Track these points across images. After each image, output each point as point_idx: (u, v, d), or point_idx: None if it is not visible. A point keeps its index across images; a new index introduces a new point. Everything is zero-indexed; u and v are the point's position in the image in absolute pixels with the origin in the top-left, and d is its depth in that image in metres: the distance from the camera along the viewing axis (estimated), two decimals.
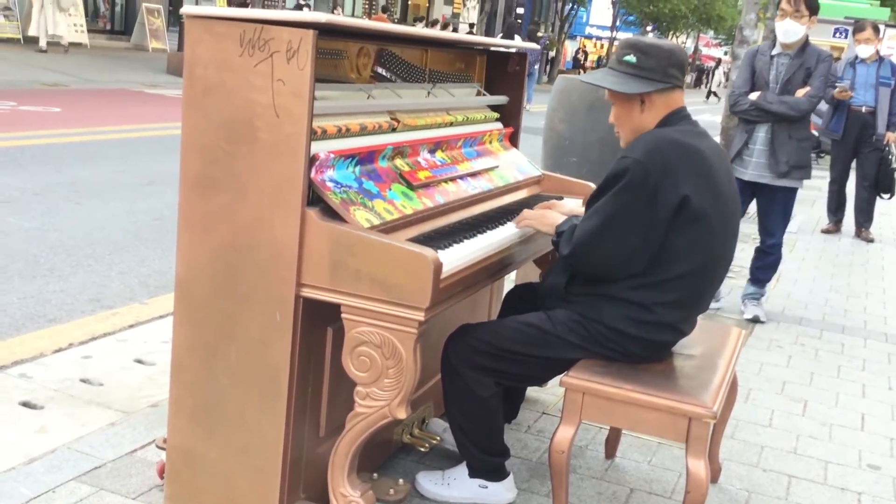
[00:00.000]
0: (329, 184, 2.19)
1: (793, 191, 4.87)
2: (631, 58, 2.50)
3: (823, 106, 8.89)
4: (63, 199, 6.34)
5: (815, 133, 12.59)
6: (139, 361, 3.57)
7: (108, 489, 2.56)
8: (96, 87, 13.92)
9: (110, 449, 2.79)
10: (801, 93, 4.70)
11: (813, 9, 4.66)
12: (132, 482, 2.61)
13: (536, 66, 23.06)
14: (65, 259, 4.95)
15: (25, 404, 3.09)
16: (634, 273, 2.42)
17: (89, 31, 19.80)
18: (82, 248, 5.20)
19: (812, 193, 10.46)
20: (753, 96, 4.77)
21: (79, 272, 4.76)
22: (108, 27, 23.33)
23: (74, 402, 3.14)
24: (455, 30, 25.95)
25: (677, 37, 44.82)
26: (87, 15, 20.36)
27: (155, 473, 2.62)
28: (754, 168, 4.78)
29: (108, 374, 3.40)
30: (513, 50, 3.42)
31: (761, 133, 4.78)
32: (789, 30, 4.70)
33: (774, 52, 4.83)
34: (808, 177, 4.88)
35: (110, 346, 3.73)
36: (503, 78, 3.38)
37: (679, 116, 2.53)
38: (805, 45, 4.77)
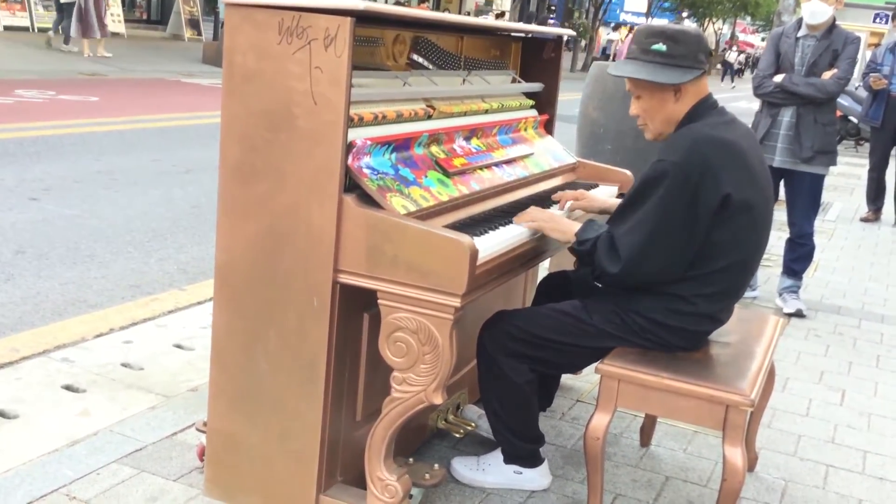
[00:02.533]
0: (366, 170, 2.21)
1: (819, 178, 4.77)
2: (660, 46, 2.42)
3: (863, 93, 8.76)
4: (102, 186, 6.43)
5: (855, 120, 12.47)
6: (179, 346, 3.63)
7: (149, 471, 2.61)
8: (134, 77, 14.09)
9: (151, 432, 2.84)
10: (827, 75, 4.63)
11: None
12: (173, 464, 2.65)
13: None
14: (105, 246, 5.03)
15: (68, 388, 3.16)
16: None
17: (126, 21, 20.06)
18: (122, 235, 5.28)
19: (851, 181, 10.32)
20: (778, 78, 4.70)
21: (119, 259, 4.83)
22: (145, 17, 23.59)
23: (116, 386, 3.20)
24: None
25: (713, 23, 44.25)
26: (123, 5, 20.62)
27: (195, 456, 2.67)
28: (780, 154, 4.70)
29: (149, 359, 3.46)
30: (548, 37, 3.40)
31: (786, 117, 4.71)
32: (816, 10, 4.63)
33: (800, 33, 4.76)
34: (834, 163, 4.78)
35: (150, 331, 3.79)
36: (538, 65, 3.37)
37: (707, 105, 2.46)
38: (832, 26, 4.70)
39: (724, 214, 2.33)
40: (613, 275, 2.37)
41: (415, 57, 2.80)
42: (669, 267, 2.37)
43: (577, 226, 2.50)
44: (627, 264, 2.34)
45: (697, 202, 2.30)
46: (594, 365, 2.46)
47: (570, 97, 6.79)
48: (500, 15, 24.60)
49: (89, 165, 7.04)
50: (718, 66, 38.75)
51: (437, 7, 30.96)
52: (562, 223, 2.52)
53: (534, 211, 2.56)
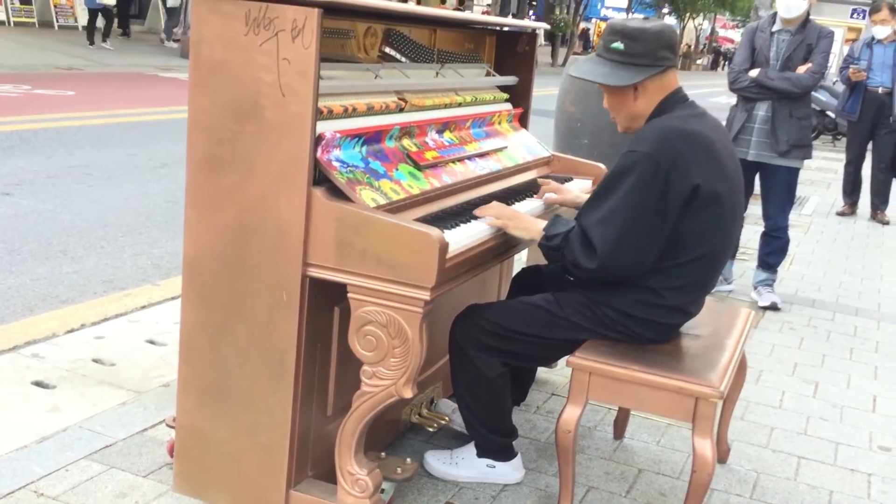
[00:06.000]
0: (335, 163, 2.19)
1: (795, 171, 4.81)
2: (618, 44, 2.43)
3: (840, 88, 8.82)
4: (76, 181, 6.37)
5: (832, 115, 12.56)
6: (151, 342, 3.60)
7: (118, 467, 2.58)
8: (111, 71, 13.97)
9: (121, 428, 2.81)
10: (802, 69, 4.66)
11: None
12: (143, 460, 2.63)
13: None
14: (78, 241, 4.98)
15: (38, 384, 3.12)
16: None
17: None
18: (95, 230, 5.23)
19: (828, 175, 10.40)
20: (754, 73, 4.73)
21: (91, 254, 4.79)
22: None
23: (86, 382, 3.16)
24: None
25: (693, 18, 44.43)
26: None
27: (165, 452, 2.65)
28: (755, 147, 4.74)
29: (120, 355, 3.43)
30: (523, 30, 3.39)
31: (761, 111, 4.74)
32: (791, 4, 4.67)
33: (775, 28, 4.80)
34: (809, 156, 4.83)
35: (122, 326, 3.76)
36: (513, 58, 3.36)
37: (675, 99, 2.47)
38: (806, 21, 4.74)
39: (694, 205, 2.34)
40: (590, 270, 2.34)
41: (387, 49, 2.78)
42: (642, 258, 2.37)
43: (541, 223, 2.47)
44: (603, 257, 2.31)
45: (668, 193, 2.31)
46: (568, 358, 2.46)
47: (552, 92, 6.77)
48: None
49: (63, 160, 6.97)
50: (699, 62, 38.87)
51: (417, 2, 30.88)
52: (525, 221, 2.47)
53: (497, 207, 2.50)
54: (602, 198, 2.37)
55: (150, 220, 5.58)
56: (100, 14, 16.81)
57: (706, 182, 2.33)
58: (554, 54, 32.24)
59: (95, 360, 3.36)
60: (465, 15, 3.12)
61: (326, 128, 2.19)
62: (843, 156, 8.57)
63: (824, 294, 5.35)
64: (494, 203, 2.53)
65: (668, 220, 2.33)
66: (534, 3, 37.87)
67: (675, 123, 2.39)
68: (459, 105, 2.93)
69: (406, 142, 2.56)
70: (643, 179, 2.30)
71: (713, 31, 54.15)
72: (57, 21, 18.83)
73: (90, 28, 16.81)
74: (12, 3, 17.72)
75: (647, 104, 2.46)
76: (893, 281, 5.89)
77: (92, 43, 16.50)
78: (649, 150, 2.32)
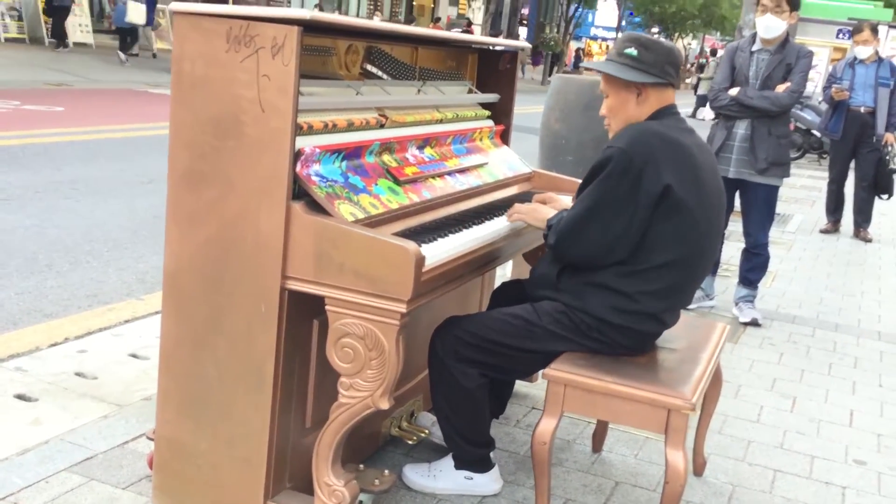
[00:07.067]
0: (314, 178, 2.23)
1: (774, 189, 4.88)
2: (632, 51, 2.57)
3: (823, 106, 8.92)
4: (63, 196, 6.39)
5: (818, 133, 12.68)
6: (134, 356, 3.61)
7: (98, 479, 2.60)
8: (101, 87, 13.98)
9: (102, 441, 2.83)
10: (781, 88, 4.73)
11: (794, 4, 4.69)
12: (123, 473, 2.65)
13: None
14: (63, 256, 4.99)
15: (20, 397, 3.13)
16: (618, 261, 2.46)
17: (94, 31, 19.90)
18: (81, 245, 5.25)
19: (812, 194, 10.49)
20: (733, 92, 4.80)
21: (77, 269, 4.80)
22: (113, 28, 23.41)
23: (68, 395, 3.18)
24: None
25: (682, 38, 44.80)
26: (92, 15, 20.51)
27: (146, 465, 2.66)
28: (735, 165, 4.80)
29: (103, 368, 3.44)
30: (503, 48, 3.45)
31: (741, 129, 4.81)
32: (770, 25, 4.74)
33: (754, 48, 4.87)
34: (787, 174, 4.89)
35: (106, 340, 3.77)
36: (495, 76, 3.41)
37: (668, 113, 2.59)
38: (785, 41, 4.81)
39: (664, 206, 2.42)
40: (551, 246, 2.54)
41: (368, 67, 2.82)
42: (602, 249, 2.46)
43: (552, 213, 2.65)
44: (560, 236, 2.49)
45: (638, 189, 2.40)
46: (544, 370, 2.49)
47: (540, 110, 6.83)
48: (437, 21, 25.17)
49: (51, 175, 6.99)
50: (687, 80, 39.13)
51: (409, 13, 31.00)
52: (541, 213, 2.68)
53: (517, 206, 2.75)
54: (581, 191, 2.55)
55: (136, 236, 5.60)
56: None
57: (678, 185, 2.41)
58: (546, 73, 32.43)
59: (78, 374, 3.37)
60: (444, 34, 3.16)
61: (306, 143, 2.23)
62: (826, 174, 8.65)
63: (805, 310, 5.40)
64: (516, 204, 2.78)
65: (637, 216, 2.42)
66: (524, 21, 38.12)
67: (655, 127, 2.51)
68: (440, 121, 2.98)
69: (386, 157, 2.59)
70: (614, 172, 2.42)
71: (702, 50, 54.52)
72: (48, 37, 18.85)
73: (122, 45, 17.84)
74: (2, 20, 17.75)
75: (644, 111, 2.57)
76: (874, 297, 5.95)
77: (127, 59, 17.57)
78: (624, 145, 2.44)
